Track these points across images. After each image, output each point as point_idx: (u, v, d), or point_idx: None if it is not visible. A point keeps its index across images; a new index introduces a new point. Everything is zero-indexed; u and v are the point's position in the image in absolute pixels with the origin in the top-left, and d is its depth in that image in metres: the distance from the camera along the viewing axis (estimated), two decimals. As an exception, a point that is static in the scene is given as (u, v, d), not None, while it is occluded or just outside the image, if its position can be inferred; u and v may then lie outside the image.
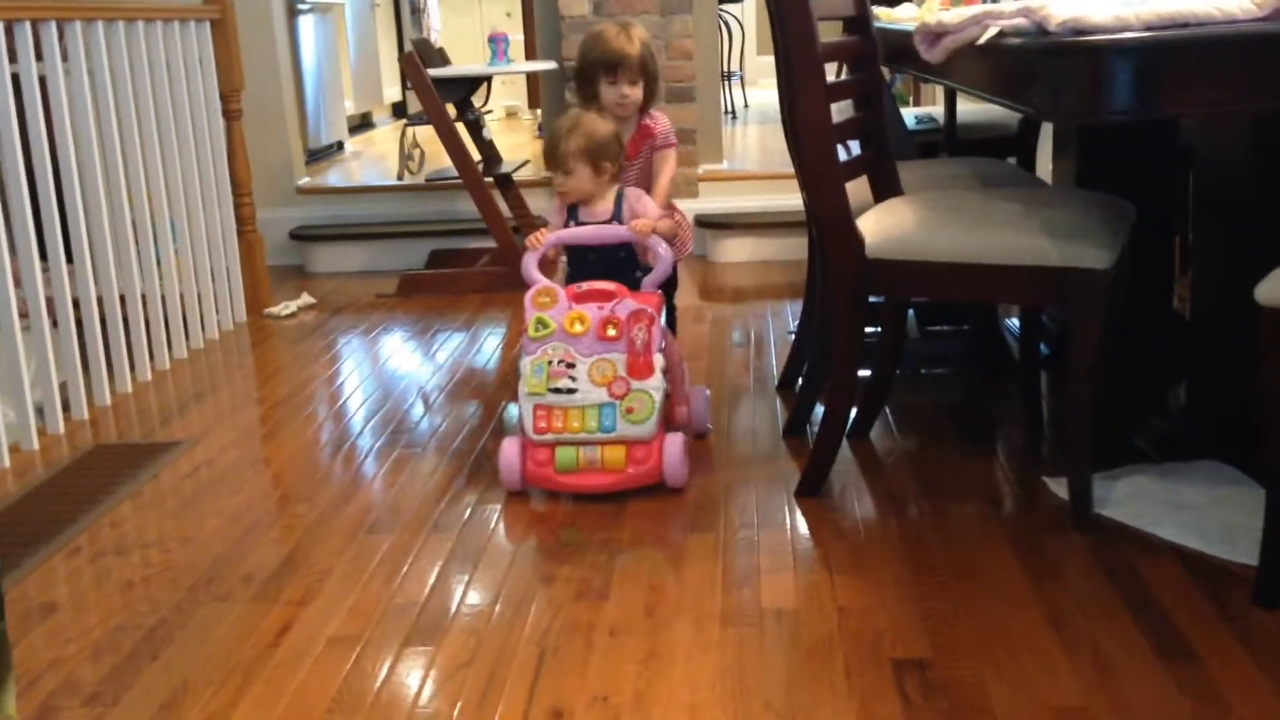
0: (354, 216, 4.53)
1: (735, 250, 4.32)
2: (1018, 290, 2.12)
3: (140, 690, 1.66)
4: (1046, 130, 3.19)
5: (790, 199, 3.88)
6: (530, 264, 2.35)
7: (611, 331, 2.23)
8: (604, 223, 2.37)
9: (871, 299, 2.19)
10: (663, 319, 2.30)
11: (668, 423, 2.33)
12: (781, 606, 1.83)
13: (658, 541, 2.09)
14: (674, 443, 2.23)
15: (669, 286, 2.50)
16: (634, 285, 2.34)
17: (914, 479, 2.30)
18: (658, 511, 2.19)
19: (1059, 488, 2.15)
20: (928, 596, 1.83)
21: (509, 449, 2.25)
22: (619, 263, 2.39)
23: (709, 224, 4.34)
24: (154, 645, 1.78)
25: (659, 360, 2.24)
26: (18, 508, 2.31)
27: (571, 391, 2.22)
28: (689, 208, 4.34)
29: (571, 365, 2.23)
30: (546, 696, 1.61)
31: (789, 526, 2.12)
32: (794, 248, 4.07)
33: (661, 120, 2.57)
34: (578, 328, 2.24)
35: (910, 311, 2.99)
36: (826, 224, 2.14)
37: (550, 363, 2.23)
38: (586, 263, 2.39)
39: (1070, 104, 1.74)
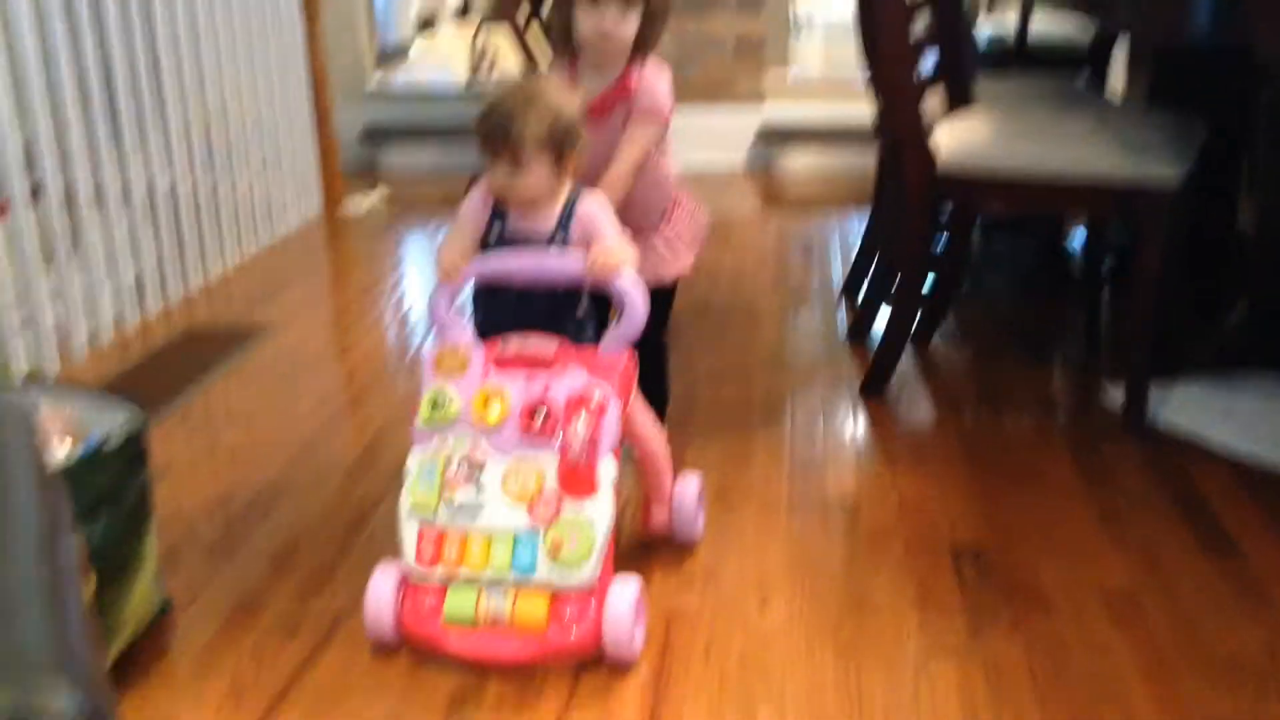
0: (424, 117, 4.61)
1: (800, 160, 4.37)
2: (1086, 204, 2.19)
3: (254, 544, 1.82)
4: (1120, 47, 3.19)
5: (854, 110, 3.91)
6: (443, 302, 1.60)
7: (539, 421, 1.51)
8: (544, 239, 1.60)
9: (939, 210, 2.26)
10: (634, 385, 1.61)
11: (645, 526, 1.75)
12: (844, 495, 1.94)
13: (727, 434, 2.19)
14: (622, 597, 1.49)
15: (658, 323, 1.78)
16: (578, 334, 1.61)
17: (974, 385, 2.39)
18: (728, 407, 2.30)
19: (1115, 396, 2.23)
20: (984, 492, 1.93)
21: (380, 585, 1.52)
22: (555, 300, 1.61)
23: (775, 134, 4.38)
24: (263, 506, 1.93)
25: (609, 469, 1.51)
26: (123, 381, 2.46)
27: (476, 509, 1.50)
28: (755, 118, 4.41)
29: (479, 468, 1.51)
30: (620, 565, 1.73)
31: (852, 424, 2.22)
32: (858, 159, 4.10)
33: (654, 77, 1.79)
34: (492, 411, 1.53)
35: (976, 223, 3.04)
36: (902, 136, 2.20)
37: (448, 463, 1.52)
38: (513, 291, 1.61)
39: (1155, 23, 1.78)
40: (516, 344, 1.56)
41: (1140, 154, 2.04)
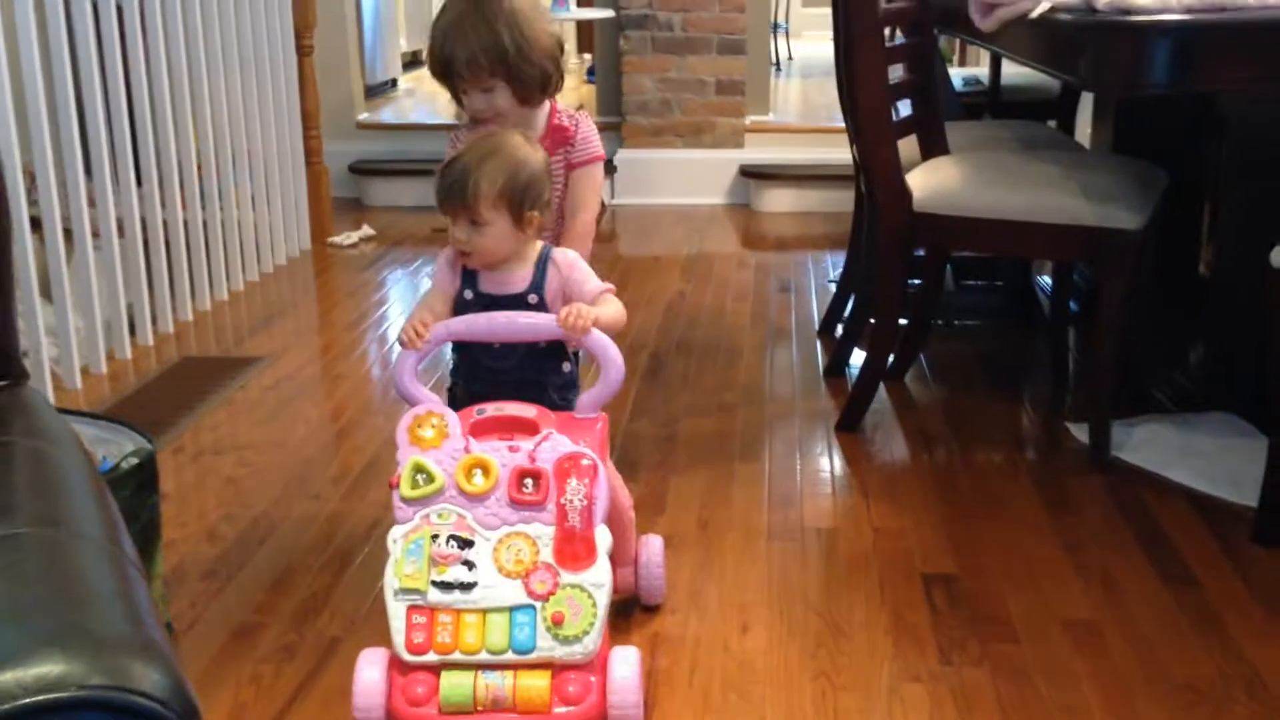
0: (411, 152, 4.69)
1: (778, 200, 4.47)
2: (1053, 247, 2.28)
3: (252, 569, 1.88)
4: (1087, 96, 3.31)
5: (832, 152, 4.03)
6: (408, 372, 1.56)
7: (529, 489, 1.45)
8: (518, 296, 1.57)
9: (913, 252, 2.35)
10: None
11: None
12: (821, 526, 2.02)
13: (709, 467, 2.27)
14: (625, 666, 1.45)
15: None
16: (562, 397, 1.60)
17: (945, 420, 2.47)
18: (709, 441, 2.38)
19: (1080, 433, 2.32)
20: (955, 522, 2.02)
21: (368, 670, 1.44)
22: (538, 359, 1.59)
23: (754, 174, 4.49)
24: (259, 533, 1.99)
25: (604, 536, 1.46)
26: (119, 410, 2.51)
27: (468, 587, 1.43)
28: (735, 158, 4.53)
29: (468, 544, 1.45)
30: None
31: (829, 457, 2.30)
32: (834, 200, 4.22)
33: (586, 126, 1.78)
34: (477, 482, 1.46)
35: (948, 265, 3.14)
36: (878, 179, 2.30)
37: (435, 539, 1.45)
38: (491, 355, 1.59)
39: (1112, 77, 1.89)
40: (493, 409, 1.52)
41: (1105, 200, 2.14)
